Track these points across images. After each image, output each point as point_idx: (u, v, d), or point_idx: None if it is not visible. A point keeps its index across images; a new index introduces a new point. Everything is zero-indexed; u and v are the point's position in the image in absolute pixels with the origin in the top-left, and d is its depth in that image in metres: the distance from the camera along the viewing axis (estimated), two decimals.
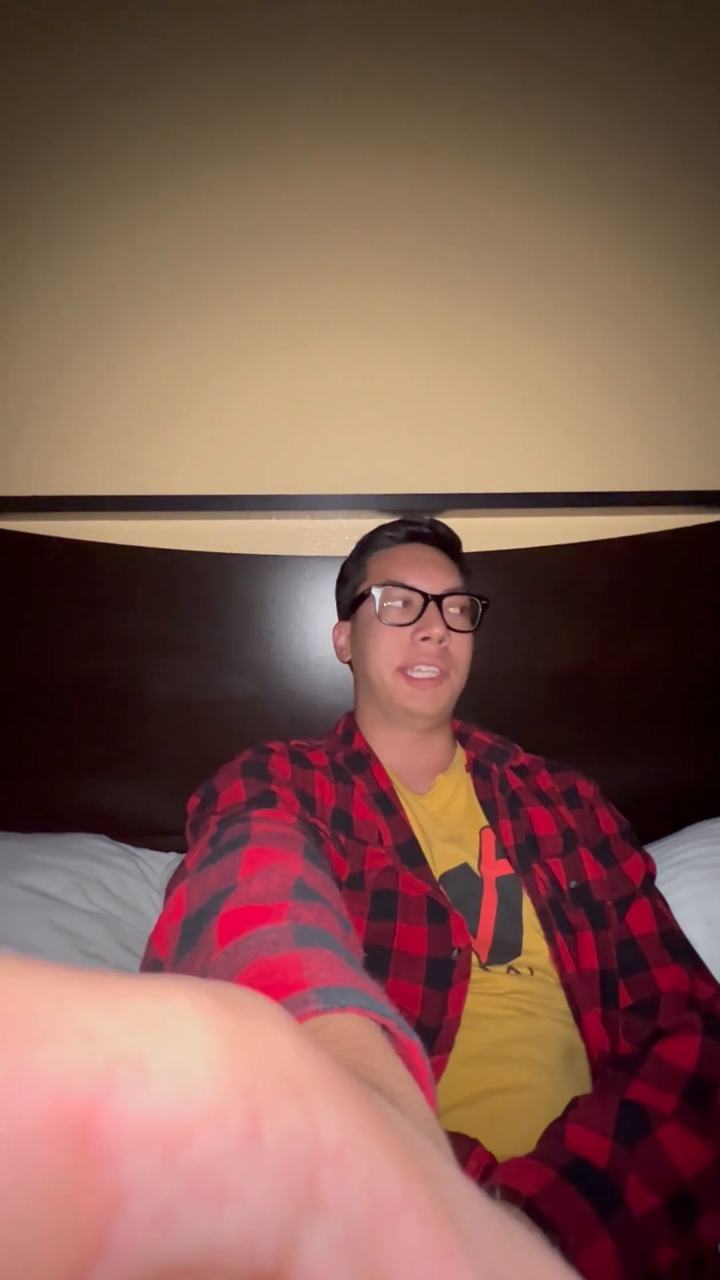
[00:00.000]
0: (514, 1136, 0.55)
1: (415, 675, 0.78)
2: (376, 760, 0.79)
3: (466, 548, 1.10)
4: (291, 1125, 0.10)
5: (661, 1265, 0.47)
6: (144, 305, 1.17)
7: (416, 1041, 0.24)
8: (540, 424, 1.20)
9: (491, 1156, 0.52)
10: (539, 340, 1.20)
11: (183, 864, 0.49)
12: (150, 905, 0.96)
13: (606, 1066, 0.61)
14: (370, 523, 0.94)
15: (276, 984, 0.26)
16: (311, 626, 1.14)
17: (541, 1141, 0.53)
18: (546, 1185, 0.48)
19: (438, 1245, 0.10)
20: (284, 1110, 0.10)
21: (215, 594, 1.13)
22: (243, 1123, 0.09)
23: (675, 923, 0.71)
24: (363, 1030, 0.23)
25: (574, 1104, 0.56)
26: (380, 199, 1.19)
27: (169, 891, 0.50)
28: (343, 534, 1.14)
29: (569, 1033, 0.63)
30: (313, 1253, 0.09)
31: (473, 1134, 0.54)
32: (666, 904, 0.73)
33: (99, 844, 1.02)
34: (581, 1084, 0.61)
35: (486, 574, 1.13)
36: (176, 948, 0.36)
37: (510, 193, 1.20)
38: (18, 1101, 0.08)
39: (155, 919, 0.91)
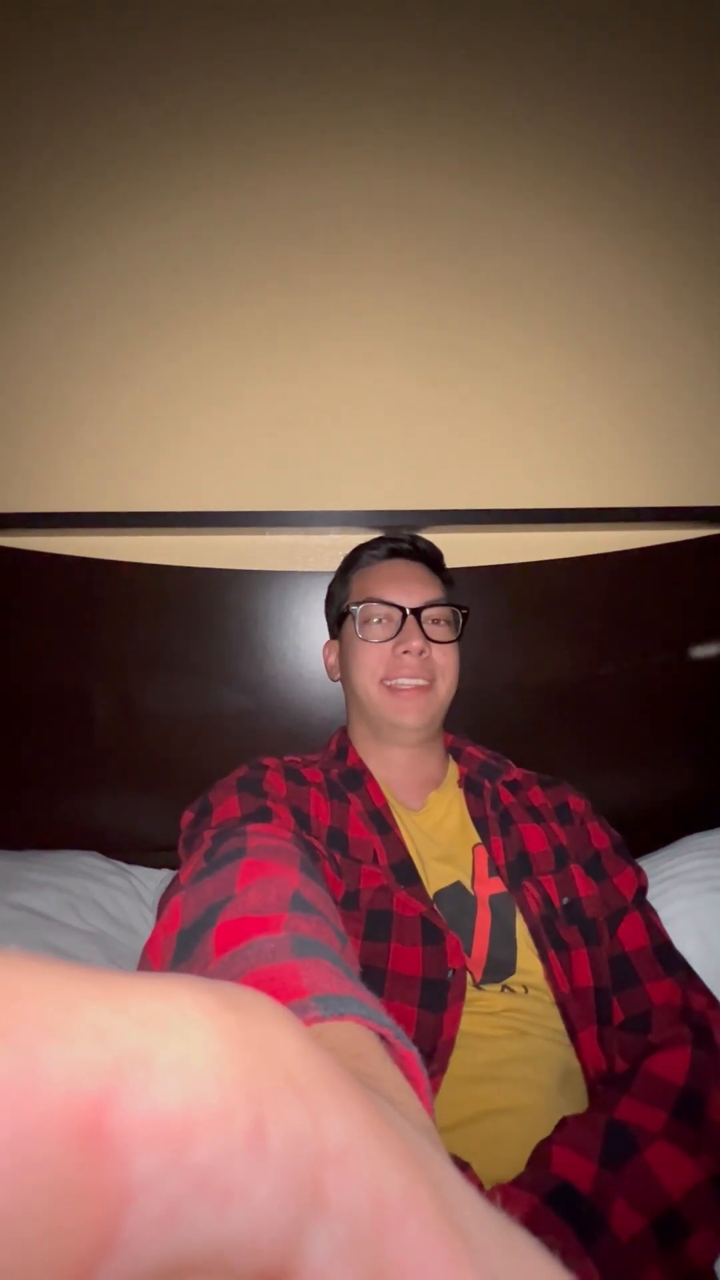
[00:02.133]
0: (509, 1158, 0.54)
1: (399, 687, 0.78)
2: (371, 777, 0.79)
3: (459, 563, 1.11)
4: (297, 1126, 0.10)
5: None
6: (139, 323, 1.18)
7: (414, 1051, 0.24)
8: (535, 439, 1.21)
9: (479, 1184, 0.52)
10: (534, 355, 1.21)
11: (176, 878, 0.49)
12: (143, 923, 0.94)
13: (599, 1084, 0.61)
14: (364, 538, 0.95)
15: (275, 992, 0.26)
16: (305, 641, 1.14)
17: (529, 1164, 0.53)
18: (530, 1213, 0.47)
19: (440, 1248, 0.10)
20: (289, 1111, 0.10)
21: (209, 609, 1.13)
22: (249, 1123, 0.09)
23: (667, 936, 0.71)
24: (360, 1039, 0.23)
25: (563, 1124, 0.56)
26: (377, 213, 1.21)
27: (162, 905, 0.50)
28: (337, 549, 1.15)
29: (565, 1052, 0.63)
30: (317, 1253, 0.10)
31: (468, 1155, 0.54)
32: (658, 917, 0.73)
33: (92, 861, 1.01)
34: (578, 1104, 0.60)
35: (480, 589, 1.14)
36: (171, 959, 0.36)
37: (509, 205, 1.22)
38: (28, 1097, 0.08)
39: (148, 936, 0.90)
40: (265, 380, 1.19)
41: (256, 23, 1.19)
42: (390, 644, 0.80)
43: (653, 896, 0.86)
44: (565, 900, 0.71)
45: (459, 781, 0.83)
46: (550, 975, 0.65)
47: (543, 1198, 0.48)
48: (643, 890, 0.74)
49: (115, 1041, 0.09)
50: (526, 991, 0.65)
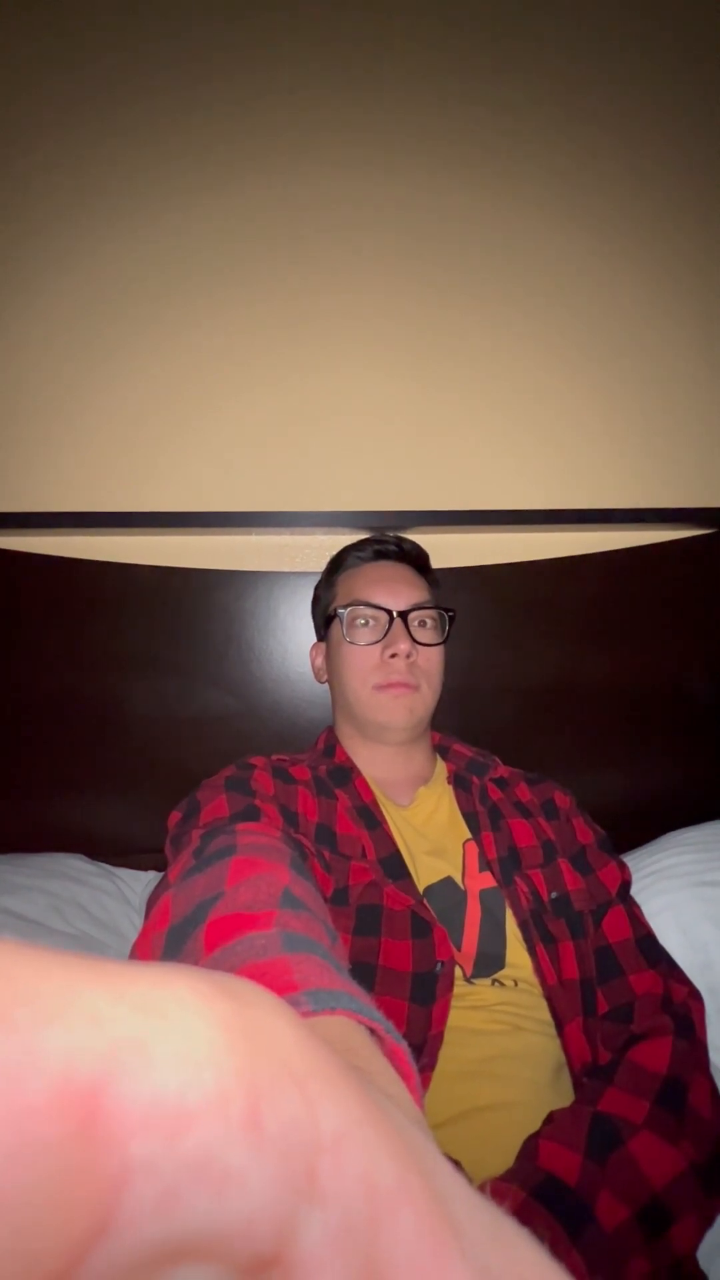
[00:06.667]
0: (502, 1154, 0.55)
1: (386, 689, 0.78)
2: (359, 773, 0.79)
3: (446, 564, 1.12)
4: (292, 1113, 0.10)
5: (634, 1276, 0.47)
6: (130, 325, 1.18)
7: (404, 1046, 0.24)
8: (522, 440, 1.22)
9: (468, 1180, 0.52)
10: (522, 357, 1.22)
11: (165, 876, 0.49)
12: (130, 926, 0.94)
13: (584, 1076, 0.61)
14: (350, 539, 0.95)
15: (266, 986, 0.26)
16: (292, 641, 1.14)
17: (517, 1159, 0.53)
18: (518, 1207, 0.48)
19: (431, 1237, 0.10)
20: (284, 1098, 0.10)
21: (195, 609, 1.13)
22: (244, 1109, 0.10)
23: (650, 928, 0.72)
24: (351, 1033, 0.23)
25: (550, 1118, 0.56)
26: (370, 215, 1.20)
27: (151, 904, 0.50)
28: (324, 549, 1.15)
29: (555, 1045, 0.64)
30: (310, 1239, 0.10)
31: (458, 1153, 0.54)
32: (641, 911, 0.74)
33: (77, 864, 1.00)
34: (568, 1097, 0.61)
35: (466, 590, 1.14)
36: (161, 956, 0.36)
37: (501, 208, 1.22)
38: (26, 1079, 0.08)
39: (134, 939, 0.90)
40: (254, 382, 1.19)
41: (257, 22, 1.19)
42: (377, 647, 0.80)
43: (636, 892, 0.88)
44: (554, 894, 0.72)
45: (448, 778, 0.84)
46: (538, 968, 0.66)
47: (530, 1191, 0.49)
48: (626, 884, 0.75)
49: (112, 1027, 0.09)
50: (516, 985, 0.66)
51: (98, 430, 1.16)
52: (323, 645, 0.90)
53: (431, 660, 0.81)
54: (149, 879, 1.04)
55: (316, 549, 1.16)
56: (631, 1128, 0.53)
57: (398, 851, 0.71)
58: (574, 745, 1.18)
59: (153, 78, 1.18)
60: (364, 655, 0.80)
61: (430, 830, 0.77)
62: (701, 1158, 0.53)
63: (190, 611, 1.13)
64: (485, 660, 1.15)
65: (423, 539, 0.97)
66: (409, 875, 0.69)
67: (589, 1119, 0.54)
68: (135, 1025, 0.09)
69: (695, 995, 0.65)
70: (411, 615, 0.81)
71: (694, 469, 1.24)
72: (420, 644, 0.80)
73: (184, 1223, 0.09)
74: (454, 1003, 0.62)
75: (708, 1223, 0.52)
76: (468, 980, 0.65)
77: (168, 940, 0.36)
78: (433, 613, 0.83)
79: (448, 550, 1.12)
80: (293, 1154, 0.10)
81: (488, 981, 0.65)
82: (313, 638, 0.97)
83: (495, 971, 0.66)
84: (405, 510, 1.15)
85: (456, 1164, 0.52)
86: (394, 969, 0.62)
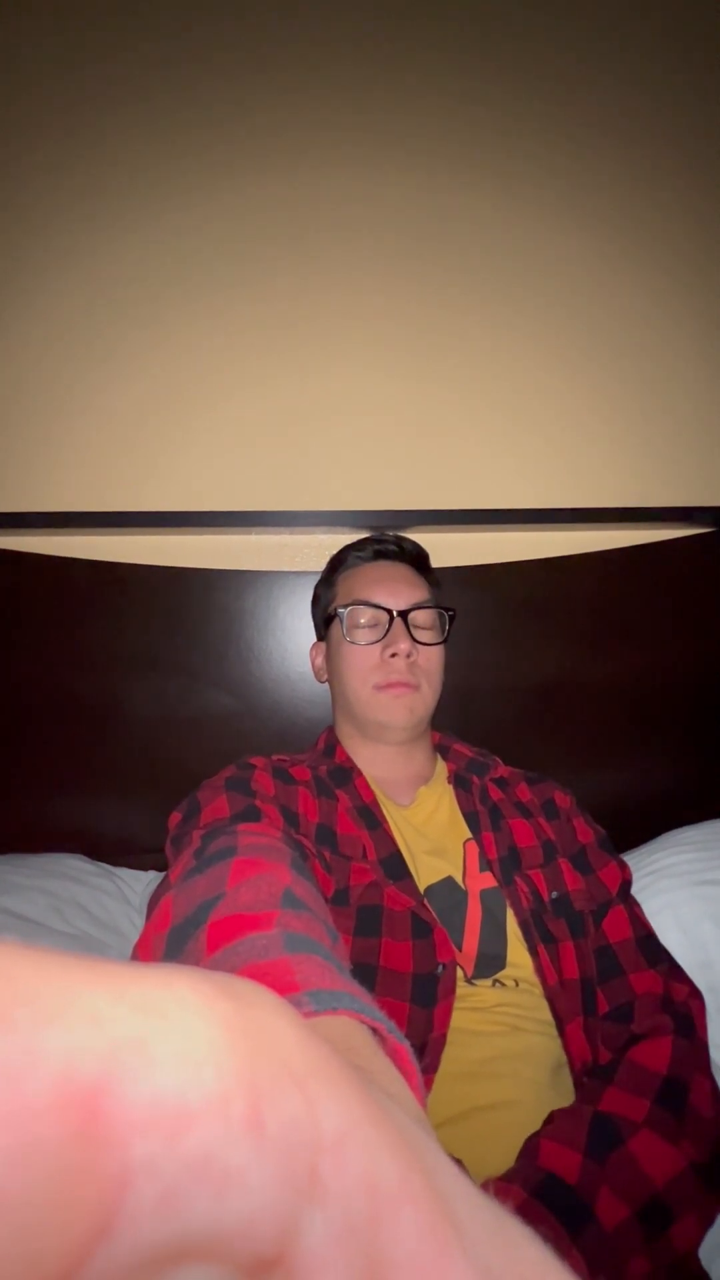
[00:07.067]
0: (502, 1154, 0.55)
1: (387, 689, 0.78)
2: (359, 773, 0.79)
3: (445, 563, 1.12)
4: (293, 1113, 0.10)
5: (635, 1275, 0.47)
6: (127, 325, 1.18)
7: (406, 1045, 0.24)
8: (521, 440, 1.22)
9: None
10: (521, 356, 1.22)
11: (166, 877, 0.49)
12: (130, 926, 0.94)
13: (585, 1076, 0.61)
14: (350, 539, 0.95)
15: (268, 986, 0.26)
16: (292, 641, 1.14)
17: (518, 1158, 0.53)
18: (518, 1207, 0.48)
19: (434, 1237, 0.10)
20: (286, 1098, 0.10)
21: (195, 609, 1.13)
22: (245, 1110, 0.09)
23: (650, 928, 0.72)
24: (353, 1033, 0.23)
25: (551, 1118, 0.56)
26: (368, 214, 1.20)
27: (152, 904, 0.50)
28: (323, 549, 1.15)
29: (556, 1045, 0.64)
30: (312, 1239, 0.10)
31: (460, 1152, 0.54)
32: (641, 910, 0.74)
33: (77, 864, 1.00)
34: (569, 1096, 0.61)
35: (466, 589, 1.14)
36: (163, 957, 0.36)
37: (506, 205, 1.22)
38: (26, 1079, 0.08)
39: (135, 939, 0.90)
40: (253, 381, 1.19)
41: (257, 22, 1.19)
42: (377, 646, 0.80)
43: (636, 891, 0.88)
44: (554, 894, 0.72)
45: (448, 778, 0.84)
46: (539, 968, 0.66)
47: (530, 1190, 0.49)
48: (627, 884, 0.75)
49: (113, 1027, 0.09)
50: (517, 985, 0.66)
51: (98, 430, 1.16)
52: (323, 645, 0.90)
53: (431, 660, 0.81)
54: (149, 879, 1.04)
55: (316, 548, 1.16)
56: (632, 1127, 0.53)
57: (398, 851, 0.71)
58: (574, 745, 1.18)
59: (153, 78, 1.18)
60: (364, 655, 0.80)
61: (431, 830, 0.77)
62: (702, 1157, 0.53)
63: (190, 611, 1.13)
64: (485, 660, 1.15)
65: (422, 539, 0.97)
66: (409, 875, 0.69)
67: (589, 1118, 0.54)
68: (136, 1025, 0.09)
69: (696, 994, 0.65)
70: (412, 615, 0.81)
71: (694, 469, 1.24)
72: (420, 644, 0.80)
73: (185, 1223, 0.09)
74: (455, 1004, 0.62)
75: (708, 1222, 0.52)
76: (468, 981, 0.65)
77: (169, 941, 0.36)
78: (433, 612, 0.83)
79: (447, 550, 1.13)
80: (294, 1154, 0.10)
81: (488, 982, 0.65)
82: (312, 637, 0.97)
83: (496, 972, 0.66)
84: (405, 510, 1.15)
85: (458, 1163, 0.52)
86: (394, 970, 0.62)
